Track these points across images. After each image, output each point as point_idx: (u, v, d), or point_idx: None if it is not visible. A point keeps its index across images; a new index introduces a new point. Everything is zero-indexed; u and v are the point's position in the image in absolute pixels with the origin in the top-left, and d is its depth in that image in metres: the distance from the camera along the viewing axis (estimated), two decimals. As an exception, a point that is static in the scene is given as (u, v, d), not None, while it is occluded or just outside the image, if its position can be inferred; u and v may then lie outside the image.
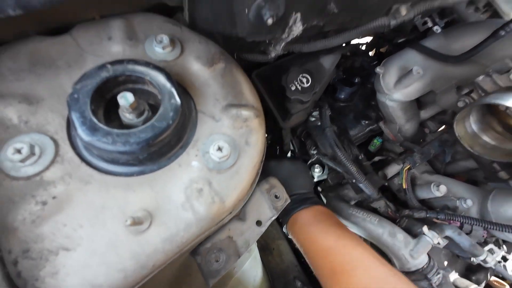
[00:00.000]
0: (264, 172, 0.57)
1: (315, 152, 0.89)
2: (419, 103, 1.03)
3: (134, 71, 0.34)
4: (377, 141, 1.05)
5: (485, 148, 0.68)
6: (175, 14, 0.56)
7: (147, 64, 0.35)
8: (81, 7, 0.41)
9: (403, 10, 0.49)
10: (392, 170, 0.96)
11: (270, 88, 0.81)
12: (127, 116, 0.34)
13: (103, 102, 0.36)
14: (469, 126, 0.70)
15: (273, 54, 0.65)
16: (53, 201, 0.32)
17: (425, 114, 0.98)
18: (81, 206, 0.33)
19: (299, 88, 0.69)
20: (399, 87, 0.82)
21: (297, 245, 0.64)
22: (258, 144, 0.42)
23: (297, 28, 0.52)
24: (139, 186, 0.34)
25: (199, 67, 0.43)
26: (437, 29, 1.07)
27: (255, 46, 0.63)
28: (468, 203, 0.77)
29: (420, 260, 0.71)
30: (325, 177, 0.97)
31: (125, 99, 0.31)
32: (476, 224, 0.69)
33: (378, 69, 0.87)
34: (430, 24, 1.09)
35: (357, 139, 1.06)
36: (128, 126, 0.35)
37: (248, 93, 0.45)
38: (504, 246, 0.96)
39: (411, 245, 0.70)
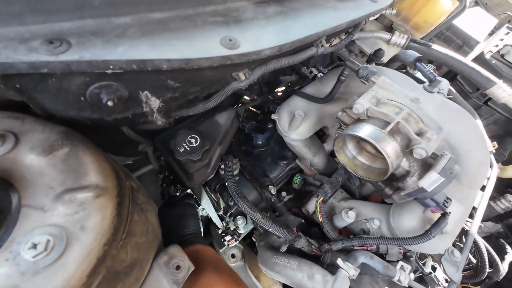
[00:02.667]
0: None
1: (232, 203, 0.89)
2: (322, 137, 1.15)
3: None
4: (297, 178, 1.10)
5: (363, 169, 0.75)
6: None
7: None
8: None
9: (242, 76, 0.57)
10: (312, 204, 0.99)
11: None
12: None
13: None
14: (348, 152, 0.79)
15: (159, 122, 0.69)
16: None
17: (327, 146, 1.08)
18: None
19: (188, 148, 0.72)
20: (291, 129, 0.91)
21: None
22: (100, 226, 0.39)
23: (155, 102, 0.56)
24: None
25: (34, 157, 0.42)
26: (321, 75, 1.29)
27: (132, 120, 0.66)
28: (376, 223, 0.81)
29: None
30: (251, 226, 0.95)
31: None
32: (380, 244, 0.72)
33: (273, 116, 0.97)
34: (315, 72, 1.32)
35: (279, 180, 1.10)
36: None
37: (94, 173, 0.44)
38: (432, 256, 1.00)
39: (329, 284, 0.67)
